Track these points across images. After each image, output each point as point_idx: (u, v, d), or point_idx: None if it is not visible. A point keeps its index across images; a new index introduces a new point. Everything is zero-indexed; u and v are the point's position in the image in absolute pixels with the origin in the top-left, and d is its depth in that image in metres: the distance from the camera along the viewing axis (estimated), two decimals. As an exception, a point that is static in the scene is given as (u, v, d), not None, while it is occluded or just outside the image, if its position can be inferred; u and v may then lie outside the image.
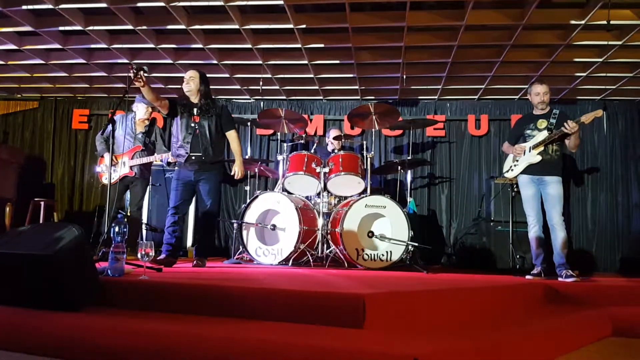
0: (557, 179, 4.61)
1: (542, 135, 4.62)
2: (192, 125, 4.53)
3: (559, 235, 4.53)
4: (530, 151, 4.68)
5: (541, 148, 4.62)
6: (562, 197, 4.59)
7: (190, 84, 4.54)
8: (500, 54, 5.84)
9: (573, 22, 5.04)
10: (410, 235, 5.04)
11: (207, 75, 6.72)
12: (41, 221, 6.49)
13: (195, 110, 4.56)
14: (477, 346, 2.20)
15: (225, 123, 4.69)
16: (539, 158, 4.62)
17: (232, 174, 4.70)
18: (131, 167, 5.38)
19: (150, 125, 5.58)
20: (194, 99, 4.60)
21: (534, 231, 4.69)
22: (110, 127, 4.32)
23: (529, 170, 4.70)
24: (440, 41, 5.63)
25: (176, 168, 4.70)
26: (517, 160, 4.80)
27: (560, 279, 4.40)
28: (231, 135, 4.72)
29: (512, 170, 4.85)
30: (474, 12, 4.92)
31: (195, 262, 4.59)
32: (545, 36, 5.53)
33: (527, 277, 4.58)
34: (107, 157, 5.45)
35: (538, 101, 4.72)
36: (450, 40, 5.54)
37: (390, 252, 5.05)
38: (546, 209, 4.64)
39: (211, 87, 7.19)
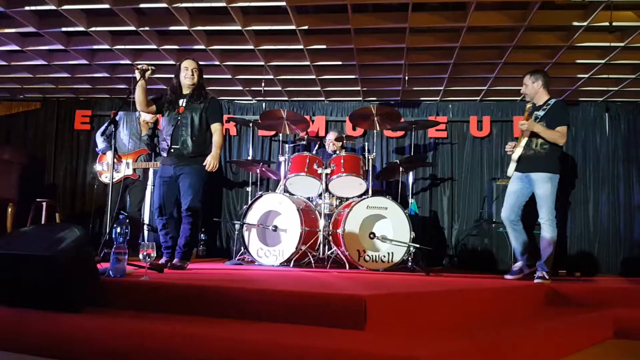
0: (544, 176, 4.36)
1: None
2: (176, 116, 4.31)
3: (542, 235, 4.40)
4: (516, 148, 4.54)
5: (522, 143, 4.47)
6: (551, 195, 4.36)
7: (195, 76, 4.35)
8: (503, 55, 5.83)
9: (575, 23, 5.04)
10: (412, 236, 5.04)
11: (209, 76, 6.82)
12: (43, 222, 6.50)
13: (182, 101, 4.35)
14: (478, 348, 2.20)
15: (212, 115, 4.37)
16: (517, 155, 4.48)
17: (204, 163, 4.33)
18: (135, 170, 5.38)
19: (155, 128, 5.59)
20: (186, 90, 4.40)
21: (507, 226, 4.60)
22: (112, 127, 4.33)
23: (518, 167, 4.54)
24: (443, 42, 5.62)
25: (159, 165, 4.51)
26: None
27: (535, 280, 4.33)
28: (215, 127, 4.38)
29: (508, 169, 4.76)
30: (476, 14, 4.92)
31: (170, 264, 4.21)
32: (547, 38, 5.52)
33: (506, 276, 4.49)
34: (109, 155, 5.45)
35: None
36: (452, 41, 5.54)
37: (392, 253, 5.05)
38: (537, 208, 4.45)
39: (214, 88, 7.30)
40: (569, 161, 7.19)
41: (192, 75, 4.34)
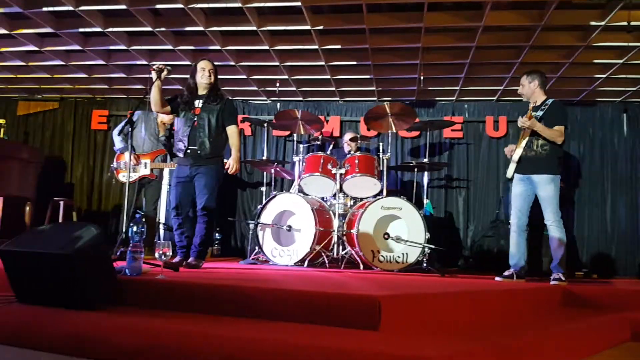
0: (546, 177, 4.32)
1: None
2: (192, 117, 4.31)
3: (552, 236, 4.33)
4: (516, 149, 4.50)
5: (522, 144, 4.42)
6: (555, 196, 4.31)
7: (212, 76, 4.35)
8: (519, 55, 5.79)
9: (593, 23, 4.98)
10: (427, 237, 5.01)
11: (225, 76, 6.85)
12: (60, 220, 6.58)
13: (197, 102, 4.36)
14: (493, 350, 2.18)
15: (228, 117, 4.37)
16: (517, 156, 4.42)
17: (226, 167, 4.37)
18: (152, 170, 5.42)
19: (171, 129, 5.63)
20: (202, 91, 4.40)
21: (512, 230, 4.52)
22: (129, 127, 4.35)
23: (518, 168, 4.49)
24: (458, 42, 5.60)
25: (176, 165, 4.52)
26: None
27: (551, 282, 4.26)
28: (231, 129, 4.39)
29: (507, 171, 4.67)
30: (492, 13, 4.88)
31: (185, 263, 4.22)
32: (564, 37, 5.47)
33: (497, 278, 4.41)
34: (126, 155, 5.49)
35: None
36: (468, 41, 5.51)
37: (407, 254, 5.03)
38: (542, 210, 4.40)
39: (229, 88, 7.33)
40: (586, 162, 7.13)
41: (210, 75, 4.34)
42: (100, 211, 7.86)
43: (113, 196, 7.92)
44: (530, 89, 4.52)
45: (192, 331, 2.27)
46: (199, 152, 4.28)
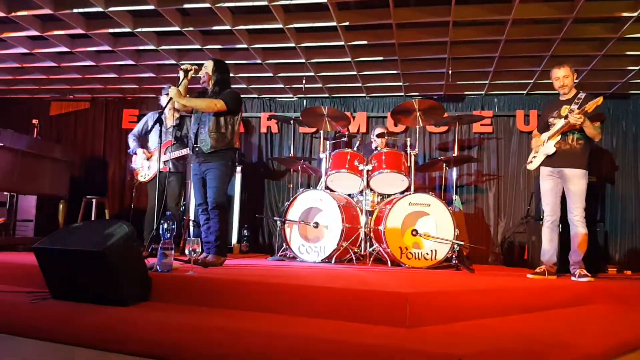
0: (579, 172, 4.27)
1: (560, 123, 4.32)
2: (199, 116, 4.40)
3: (578, 232, 4.26)
4: (547, 141, 4.42)
5: (557, 137, 4.34)
6: (584, 192, 4.27)
7: (202, 71, 4.40)
8: (550, 48, 5.68)
9: (625, 14, 4.85)
10: (456, 233, 4.97)
11: (251, 74, 6.87)
12: (93, 218, 6.70)
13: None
14: (524, 348, 2.16)
15: (222, 97, 4.29)
16: (553, 149, 4.34)
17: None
18: (164, 162, 5.42)
19: (181, 119, 5.62)
20: (209, 89, 4.45)
21: (546, 226, 4.46)
22: (158, 126, 4.40)
23: (548, 161, 4.42)
24: (487, 35, 5.51)
25: (191, 160, 4.58)
26: (537, 152, 4.57)
27: (573, 278, 4.18)
28: (218, 103, 4.27)
29: (531, 162, 4.60)
30: (521, 6, 4.80)
31: (203, 261, 4.13)
32: (596, 29, 5.34)
33: (529, 275, 4.37)
34: (139, 153, 5.56)
35: (558, 86, 4.47)
36: (497, 34, 5.43)
37: (435, 251, 4.99)
38: (568, 205, 4.34)
39: (255, 86, 7.36)
40: (618, 156, 6.97)
41: (205, 75, 4.40)
42: (132, 208, 7.98)
43: (144, 194, 8.02)
44: (573, 82, 4.46)
45: (221, 327, 2.30)
46: (202, 148, 4.32)
